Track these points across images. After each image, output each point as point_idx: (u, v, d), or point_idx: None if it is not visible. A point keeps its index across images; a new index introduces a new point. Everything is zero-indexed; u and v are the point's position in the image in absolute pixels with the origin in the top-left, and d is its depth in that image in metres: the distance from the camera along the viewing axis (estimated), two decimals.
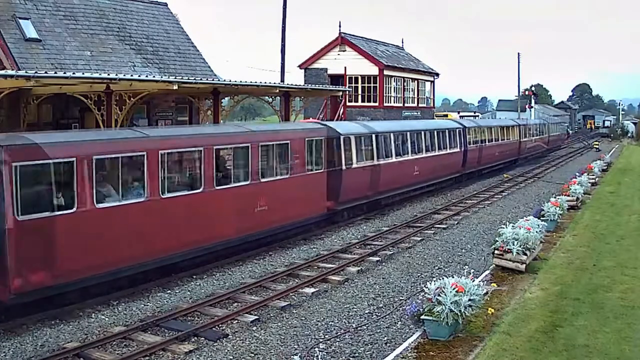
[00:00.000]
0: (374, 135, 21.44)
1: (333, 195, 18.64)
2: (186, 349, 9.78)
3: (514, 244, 12.86)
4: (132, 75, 17.93)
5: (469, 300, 9.35)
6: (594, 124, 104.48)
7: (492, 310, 10.26)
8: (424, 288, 9.82)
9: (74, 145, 11.49)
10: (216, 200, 14.13)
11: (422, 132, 25.74)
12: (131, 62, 22.96)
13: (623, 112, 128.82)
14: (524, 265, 12.92)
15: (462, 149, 29.72)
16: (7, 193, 10.05)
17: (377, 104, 37.67)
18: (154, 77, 17.95)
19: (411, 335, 9.81)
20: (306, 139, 17.68)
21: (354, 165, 19.81)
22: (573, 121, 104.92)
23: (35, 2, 21.55)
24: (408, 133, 24.39)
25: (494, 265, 13.38)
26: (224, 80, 20.75)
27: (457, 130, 29.48)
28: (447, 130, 28.31)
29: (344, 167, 19.11)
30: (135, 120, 21.10)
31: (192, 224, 13.36)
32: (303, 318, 11.24)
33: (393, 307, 11.77)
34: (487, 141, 33.54)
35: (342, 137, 19.27)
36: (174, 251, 13.14)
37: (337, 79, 37.74)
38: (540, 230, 13.84)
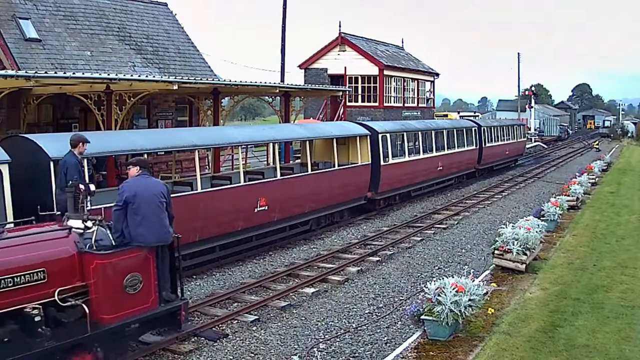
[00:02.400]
0: (405, 134, 23.47)
1: (373, 185, 20.99)
2: (186, 349, 9.77)
3: (514, 244, 12.85)
4: (132, 75, 17.94)
5: (469, 300, 9.35)
6: (594, 124, 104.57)
7: (492, 310, 10.26)
8: (424, 288, 9.80)
9: None
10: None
11: (445, 131, 27.71)
12: (131, 62, 22.97)
13: (623, 112, 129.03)
14: (524, 265, 12.91)
15: (478, 146, 31.76)
16: None
17: (377, 104, 37.70)
18: (154, 77, 17.96)
19: (411, 335, 9.80)
20: (359, 136, 20.32)
21: (390, 161, 21.78)
22: (573, 121, 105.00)
23: (35, 2, 21.58)
24: (433, 132, 26.36)
25: (494, 265, 13.37)
26: (224, 80, 20.77)
27: (473, 129, 31.49)
28: (464, 129, 30.30)
29: (382, 162, 21.13)
30: (135, 120, 21.13)
31: None
32: (303, 318, 11.23)
33: (393, 307, 11.76)
34: (498, 139, 35.46)
35: (379, 135, 21.15)
36: None
37: (337, 79, 37.76)
38: (540, 230, 13.83)
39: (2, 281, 7.17)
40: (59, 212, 9.30)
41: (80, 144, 10.53)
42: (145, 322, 8.63)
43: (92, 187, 9.41)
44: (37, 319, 7.32)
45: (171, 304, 8.93)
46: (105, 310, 8.00)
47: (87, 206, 8.71)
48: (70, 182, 9.06)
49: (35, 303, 7.40)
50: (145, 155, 12.84)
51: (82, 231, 8.23)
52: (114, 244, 8.40)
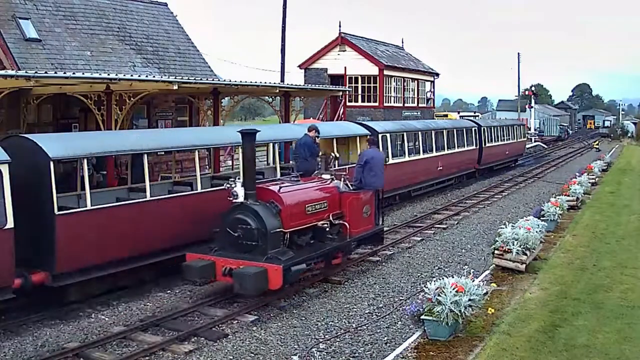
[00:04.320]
0: (405, 134, 23.43)
1: None
2: (186, 349, 9.77)
3: (514, 244, 12.86)
4: (132, 75, 17.94)
5: (469, 300, 9.35)
6: (594, 124, 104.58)
7: (492, 310, 10.26)
8: (424, 288, 9.81)
9: None
10: None
11: (445, 131, 27.71)
12: (131, 62, 22.97)
13: (623, 112, 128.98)
14: (524, 265, 12.92)
15: (478, 146, 31.65)
16: None
17: (377, 104, 37.68)
18: (154, 77, 17.95)
19: (411, 335, 9.80)
20: (359, 136, 20.55)
21: (390, 161, 21.53)
22: (573, 121, 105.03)
23: (35, 2, 21.57)
24: (433, 132, 26.38)
25: (494, 265, 13.38)
26: (224, 80, 20.76)
27: (473, 129, 31.44)
28: (464, 129, 30.28)
29: None
30: (135, 120, 21.12)
31: None
32: (303, 318, 11.23)
33: (393, 307, 11.76)
34: (498, 139, 35.37)
35: (379, 135, 21.23)
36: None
37: (337, 79, 37.72)
38: (540, 230, 13.83)
39: (311, 207, 12.52)
40: (300, 173, 14.17)
41: (313, 131, 15.28)
42: (368, 236, 14.31)
43: (337, 154, 17.01)
44: (327, 229, 12.79)
45: (378, 227, 14.73)
46: (353, 227, 13.32)
47: (333, 167, 15.30)
48: (322, 152, 15.42)
49: (322, 221, 12.73)
50: (146, 155, 12.84)
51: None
52: (351, 188, 13.79)
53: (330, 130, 20.01)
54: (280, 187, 12.18)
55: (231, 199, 11.89)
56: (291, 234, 12.02)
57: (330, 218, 12.85)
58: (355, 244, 13.96)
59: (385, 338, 10.17)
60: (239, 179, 12.30)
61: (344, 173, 14.44)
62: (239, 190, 11.85)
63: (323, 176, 13.92)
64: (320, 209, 12.71)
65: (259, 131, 12.20)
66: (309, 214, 12.43)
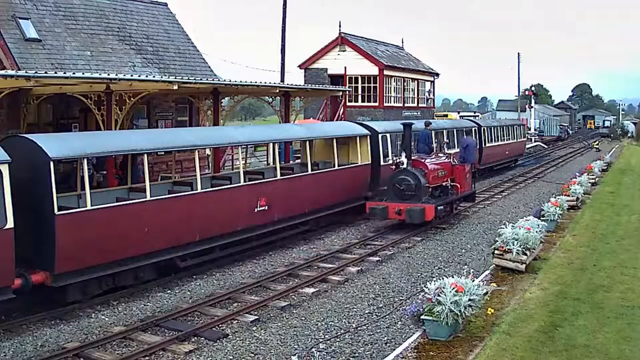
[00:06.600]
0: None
1: (373, 185, 20.80)
2: (186, 349, 9.78)
3: (514, 244, 12.86)
4: (132, 75, 17.93)
5: (469, 300, 9.35)
6: (594, 124, 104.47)
7: (492, 310, 10.26)
8: (424, 288, 9.81)
9: None
10: None
11: (445, 131, 27.77)
12: (131, 62, 22.97)
13: (623, 112, 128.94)
14: (524, 265, 12.92)
15: (478, 146, 31.31)
16: None
17: (377, 104, 37.69)
18: (154, 77, 17.94)
19: (411, 335, 9.80)
20: (359, 136, 20.49)
21: (390, 161, 21.37)
22: (573, 121, 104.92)
23: (35, 2, 21.57)
24: (433, 132, 26.02)
25: (494, 265, 13.38)
26: (224, 80, 20.75)
27: (473, 129, 31.42)
28: (464, 129, 30.33)
29: (382, 162, 21.11)
30: (135, 120, 21.11)
31: None
32: (303, 318, 11.23)
33: (393, 307, 11.76)
34: (498, 139, 35.24)
35: (379, 135, 21.32)
36: None
37: (337, 79, 37.73)
38: (540, 230, 13.83)
39: (440, 172, 19.05)
40: (422, 153, 20.73)
41: (430, 125, 23.04)
42: (468, 195, 20.78)
43: (447, 140, 24.99)
44: (448, 187, 19.32)
45: (473, 189, 21.30)
46: (461, 187, 19.86)
47: (445, 149, 21.96)
48: (436, 142, 22.47)
49: (445, 182, 19.15)
50: (146, 156, 12.84)
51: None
52: (457, 163, 20.41)
53: (330, 130, 19.99)
54: (425, 160, 18.97)
55: (393, 167, 18.63)
56: (432, 188, 18.40)
57: (448, 181, 19.24)
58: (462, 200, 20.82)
59: (385, 338, 10.17)
60: (402, 153, 18.68)
61: (452, 153, 22.21)
62: (404, 160, 18.24)
63: (439, 154, 20.35)
64: (444, 175, 19.14)
65: (413, 124, 19.28)
66: (439, 177, 18.88)
